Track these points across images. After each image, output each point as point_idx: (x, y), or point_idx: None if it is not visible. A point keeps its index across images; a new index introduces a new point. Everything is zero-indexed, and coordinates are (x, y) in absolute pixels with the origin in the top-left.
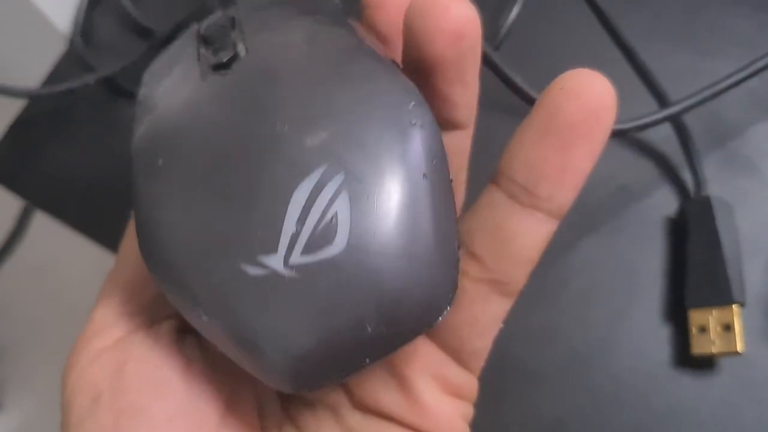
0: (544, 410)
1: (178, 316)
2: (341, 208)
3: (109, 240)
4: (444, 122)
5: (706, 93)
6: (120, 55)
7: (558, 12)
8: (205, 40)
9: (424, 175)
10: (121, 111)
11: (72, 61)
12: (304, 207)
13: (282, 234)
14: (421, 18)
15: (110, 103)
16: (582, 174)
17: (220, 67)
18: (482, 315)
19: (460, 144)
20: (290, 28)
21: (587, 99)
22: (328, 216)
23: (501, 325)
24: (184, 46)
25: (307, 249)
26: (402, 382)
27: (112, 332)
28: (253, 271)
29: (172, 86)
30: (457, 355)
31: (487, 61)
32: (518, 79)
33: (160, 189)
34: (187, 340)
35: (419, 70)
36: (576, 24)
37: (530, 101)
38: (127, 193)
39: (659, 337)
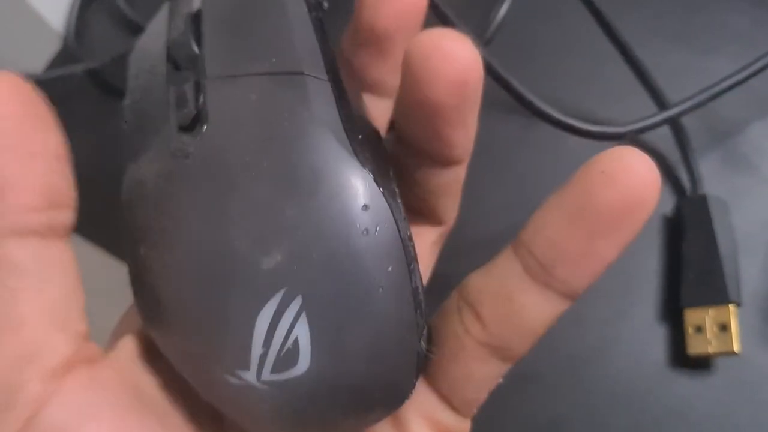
0: (540, 411)
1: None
2: (301, 333)
3: (101, 237)
4: (441, 159)
5: (705, 95)
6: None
7: (551, 7)
8: (171, 58)
9: (381, 287)
10: (113, 109)
11: (66, 59)
12: (267, 332)
13: (251, 354)
14: (422, 62)
15: (102, 101)
16: (605, 263)
17: (186, 129)
18: (478, 374)
19: (455, 177)
20: (249, 89)
21: (627, 187)
22: (290, 341)
23: (500, 380)
24: (159, 35)
25: (275, 369)
26: (396, 421)
27: (18, 410)
28: (233, 380)
29: (146, 121)
30: (449, 402)
31: None
32: (510, 77)
33: (148, 281)
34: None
35: (418, 111)
36: (570, 21)
37: (522, 100)
38: (118, 192)
39: (655, 337)
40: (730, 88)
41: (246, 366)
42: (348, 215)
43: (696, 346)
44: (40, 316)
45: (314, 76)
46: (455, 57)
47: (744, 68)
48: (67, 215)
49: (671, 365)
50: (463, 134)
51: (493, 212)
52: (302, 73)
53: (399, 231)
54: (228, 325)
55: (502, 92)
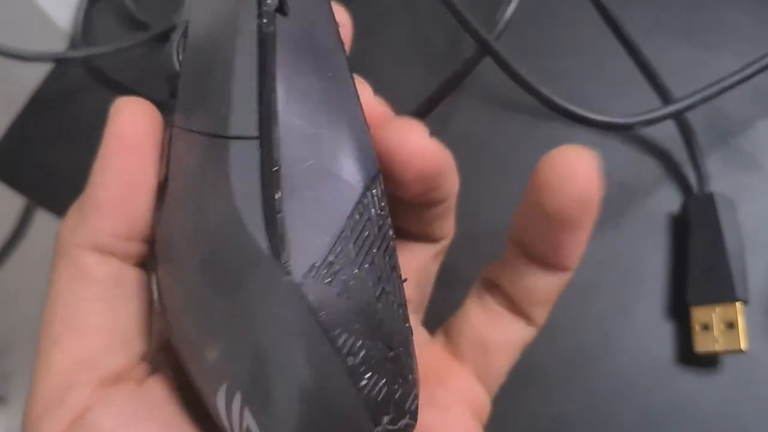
0: (545, 407)
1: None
2: (249, 421)
3: None
4: (427, 204)
5: (711, 90)
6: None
7: (557, 4)
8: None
9: (303, 390)
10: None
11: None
12: (226, 413)
13: (225, 425)
14: (389, 163)
15: (110, 100)
16: (580, 249)
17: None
18: (516, 340)
19: (445, 207)
20: (191, 153)
21: (572, 193)
22: (244, 426)
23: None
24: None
25: None
26: (436, 404)
27: (66, 409)
28: None
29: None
30: (486, 379)
31: (488, 51)
32: (521, 69)
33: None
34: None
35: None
36: (577, 16)
37: (532, 90)
38: None
39: (662, 335)
40: (736, 83)
41: None
42: (264, 319)
43: (703, 344)
44: (103, 328)
45: (241, 137)
46: (415, 155)
47: (750, 64)
48: (143, 248)
49: (677, 362)
50: (445, 195)
51: (497, 207)
52: (227, 137)
53: (324, 327)
54: (206, 396)
55: (506, 89)
